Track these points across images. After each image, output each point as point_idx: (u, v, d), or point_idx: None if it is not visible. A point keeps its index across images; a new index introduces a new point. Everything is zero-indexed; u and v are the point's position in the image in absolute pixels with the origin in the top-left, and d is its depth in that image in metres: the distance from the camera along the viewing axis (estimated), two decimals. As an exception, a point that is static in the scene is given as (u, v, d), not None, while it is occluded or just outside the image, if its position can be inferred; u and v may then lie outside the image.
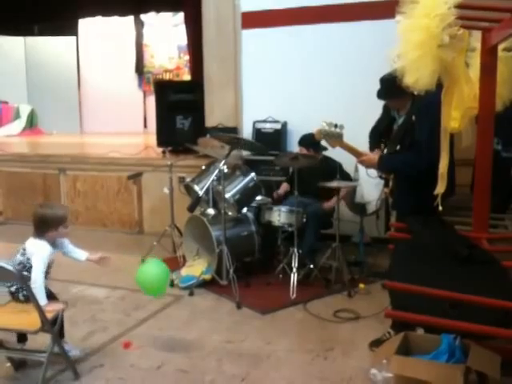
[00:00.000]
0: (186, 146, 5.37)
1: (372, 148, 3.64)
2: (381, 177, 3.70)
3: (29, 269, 2.86)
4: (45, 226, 2.92)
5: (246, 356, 3.18)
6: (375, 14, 4.80)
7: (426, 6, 2.43)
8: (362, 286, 4.20)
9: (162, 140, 6.42)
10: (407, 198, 3.24)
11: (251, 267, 4.55)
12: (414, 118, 3.18)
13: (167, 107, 6.37)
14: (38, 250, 2.89)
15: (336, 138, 3.21)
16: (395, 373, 2.31)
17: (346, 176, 4.55)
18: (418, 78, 2.50)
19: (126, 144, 7.61)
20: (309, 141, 4.58)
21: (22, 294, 2.89)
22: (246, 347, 3.29)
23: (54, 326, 2.82)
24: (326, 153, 4.63)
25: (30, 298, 2.76)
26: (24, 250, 2.94)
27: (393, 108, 3.48)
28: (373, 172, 3.58)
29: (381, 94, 3.39)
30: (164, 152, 6.34)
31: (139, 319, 3.72)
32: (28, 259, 2.89)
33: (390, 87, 3.09)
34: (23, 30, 10.84)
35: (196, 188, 4.55)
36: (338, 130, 3.18)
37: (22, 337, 3.02)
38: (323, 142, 3.55)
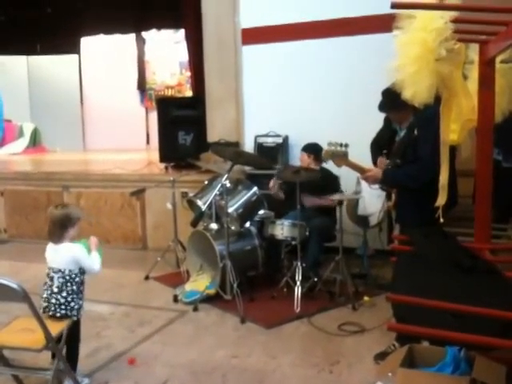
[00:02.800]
0: (189, 162, 5.41)
1: (374, 159, 3.67)
2: (382, 188, 3.72)
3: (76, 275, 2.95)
4: (69, 224, 2.98)
5: (251, 371, 3.17)
6: (375, 28, 4.84)
7: (422, 21, 2.46)
8: (366, 298, 4.19)
9: (165, 156, 6.46)
10: (410, 210, 3.26)
11: (255, 281, 4.55)
12: (416, 131, 3.21)
13: (169, 123, 6.42)
14: (76, 251, 2.96)
15: (342, 156, 3.26)
16: (400, 386, 2.31)
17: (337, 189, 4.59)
18: (415, 92, 2.53)
19: (129, 160, 7.65)
20: (313, 148, 4.66)
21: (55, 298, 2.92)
22: (251, 362, 3.29)
23: (59, 343, 2.83)
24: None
25: (56, 309, 2.89)
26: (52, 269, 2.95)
27: (394, 121, 3.51)
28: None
29: (382, 107, 3.42)
30: (166, 168, 6.38)
31: (144, 335, 3.72)
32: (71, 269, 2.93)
33: (392, 100, 3.12)
34: (25, 48, 10.95)
35: (199, 203, 4.57)
36: (343, 148, 3.24)
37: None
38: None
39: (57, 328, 2.84)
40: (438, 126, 2.85)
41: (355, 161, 3.37)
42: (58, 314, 2.90)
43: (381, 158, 3.55)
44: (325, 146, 3.33)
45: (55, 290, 2.92)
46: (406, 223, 3.39)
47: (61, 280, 2.93)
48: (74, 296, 2.92)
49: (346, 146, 3.25)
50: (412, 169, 3.25)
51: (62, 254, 2.94)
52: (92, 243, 3.08)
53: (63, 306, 2.90)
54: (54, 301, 2.91)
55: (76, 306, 2.93)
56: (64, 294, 2.91)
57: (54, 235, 2.98)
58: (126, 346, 3.54)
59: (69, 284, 2.93)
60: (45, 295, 2.95)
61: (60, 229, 2.96)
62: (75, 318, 2.93)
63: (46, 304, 2.93)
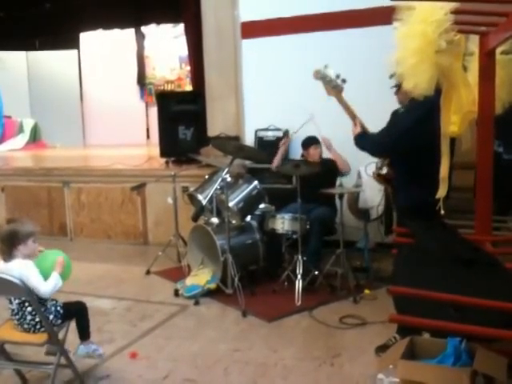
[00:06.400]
0: (189, 156, 5.40)
1: None
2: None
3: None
4: (17, 242, 2.76)
5: (253, 364, 3.18)
6: (375, 20, 4.82)
7: (422, 12, 2.45)
8: (367, 291, 4.20)
9: (165, 150, 6.46)
10: (401, 194, 3.28)
11: (256, 275, 4.56)
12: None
13: (169, 118, 6.41)
14: (22, 268, 2.72)
15: (333, 87, 3.23)
16: (402, 378, 2.31)
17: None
18: (416, 84, 2.52)
19: (129, 155, 7.65)
20: (309, 141, 4.72)
21: (26, 322, 2.80)
22: (252, 356, 3.29)
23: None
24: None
25: (35, 326, 2.78)
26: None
27: (400, 102, 3.50)
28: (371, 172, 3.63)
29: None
30: (167, 162, 6.38)
31: (145, 329, 3.73)
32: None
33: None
34: (25, 44, 10.94)
35: (199, 197, 4.58)
36: (339, 81, 3.19)
37: None
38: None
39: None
40: (422, 109, 2.91)
41: (349, 102, 3.32)
42: (34, 331, 2.80)
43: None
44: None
45: (15, 311, 2.79)
46: (398, 207, 3.46)
47: (17, 301, 2.77)
48: (39, 314, 2.73)
49: (344, 80, 3.20)
50: (376, 135, 3.29)
51: (12, 273, 2.67)
52: (57, 263, 2.84)
53: (34, 327, 2.78)
54: (21, 322, 2.79)
55: (50, 317, 2.81)
56: (29, 317, 2.77)
57: (4, 253, 2.76)
58: (127, 340, 3.55)
59: (26, 304, 2.76)
60: (10, 316, 2.84)
61: (8, 246, 2.75)
62: (58, 323, 2.85)
63: (17, 323, 2.82)
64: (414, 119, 3.04)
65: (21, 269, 2.71)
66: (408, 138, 3.05)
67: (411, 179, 3.17)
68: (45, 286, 2.73)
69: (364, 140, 3.33)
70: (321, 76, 3.22)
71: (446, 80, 2.62)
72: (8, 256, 2.77)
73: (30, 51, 11.17)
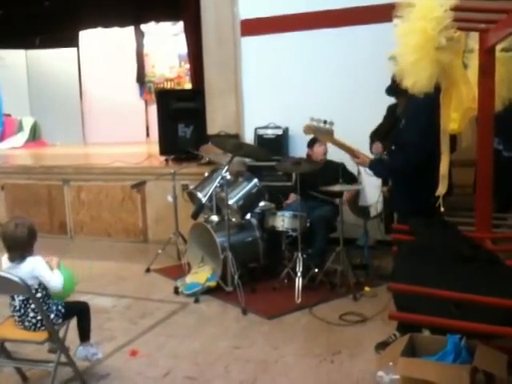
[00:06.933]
0: (189, 154, 5.40)
1: (371, 148, 3.67)
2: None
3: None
4: (34, 236, 2.80)
5: (254, 362, 3.18)
6: (374, 18, 4.82)
7: (422, 9, 2.45)
8: (367, 288, 4.21)
9: (165, 148, 6.46)
10: (401, 198, 3.27)
11: (256, 273, 4.56)
12: (403, 120, 3.21)
13: (169, 116, 6.41)
14: (38, 265, 2.76)
15: (326, 134, 3.22)
16: (402, 374, 2.31)
17: (349, 176, 4.57)
18: (416, 81, 2.52)
19: (129, 153, 7.65)
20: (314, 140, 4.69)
21: (28, 320, 2.80)
22: (253, 353, 3.30)
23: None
24: (328, 155, 4.68)
25: (36, 325, 2.78)
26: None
27: (400, 106, 3.48)
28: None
29: (388, 91, 3.40)
30: (167, 160, 6.38)
31: (145, 327, 3.73)
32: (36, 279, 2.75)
33: (397, 85, 3.11)
34: (24, 42, 10.92)
35: (199, 195, 4.58)
36: (327, 126, 3.18)
37: None
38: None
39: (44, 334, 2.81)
40: (425, 114, 2.88)
41: (342, 140, 3.30)
42: (34, 329, 2.80)
43: (376, 143, 3.53)
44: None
45: (17, 308, 2.78)
46: (398, 211, 3.42)
47: (21, 297, 2.76)
48: (40, 312, 2.72)
49: (331, 123, 3.18)
50: (394, 161, 3.25)
51: (22, 270, 2.71)
52: (53, 263, 2.85)
53: (35, 325, 2.78)
54: (22, 319, 2.79)
55: (51, 316, 2.81)
56: (31, 314, 2.77)
57: (19, 255, 2.74)
58: (128, 338, 3.56)
59: (31, 301, 2.74)
60: (11, 313, 2.83)
61: (27, 247, 2.75)
62: (59, 322, 2.85)
63: (18, 320, 2.82)
64: (417, 132, 3.02)
65: (34, 267, 2.73)
66: (419, 151, 3.03)
67: (412, 182, 3.15)
68: (55, 279, 2.76)
69: (380, 168, 3.32)
70: (313, 129, 3.22)
71: (446, 77, 2.62)
72: (24, 256, 2.74)
73: (30, 49, 11.16)
